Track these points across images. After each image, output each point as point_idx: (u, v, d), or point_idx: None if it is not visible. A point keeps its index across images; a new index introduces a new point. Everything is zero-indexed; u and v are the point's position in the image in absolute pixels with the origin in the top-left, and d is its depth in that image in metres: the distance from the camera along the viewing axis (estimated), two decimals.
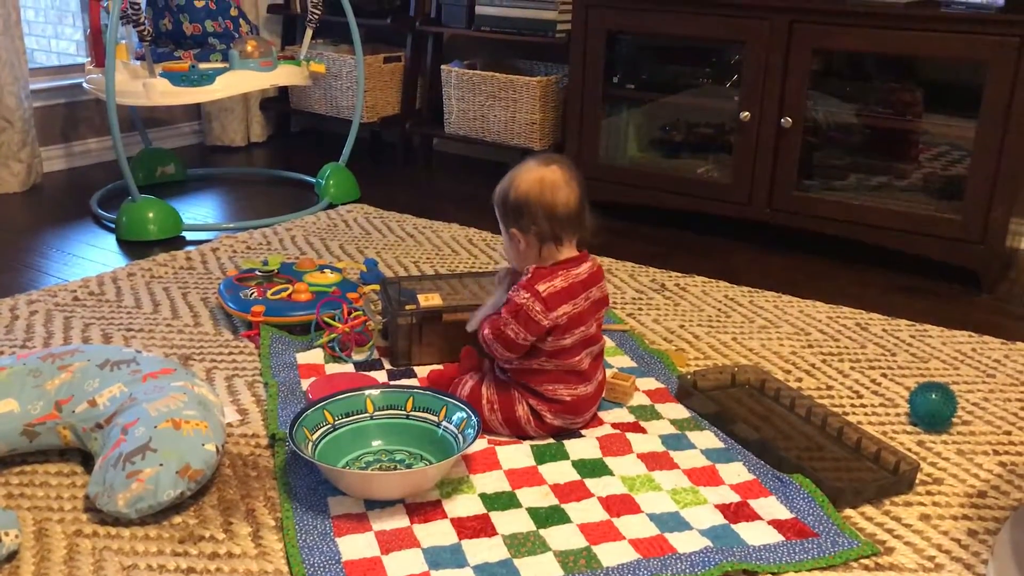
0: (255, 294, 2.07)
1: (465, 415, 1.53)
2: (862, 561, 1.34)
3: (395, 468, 1.52)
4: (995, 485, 1.56)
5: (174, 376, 1.57)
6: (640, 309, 2.25)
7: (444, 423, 1.55)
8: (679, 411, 1.75)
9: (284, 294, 2.06)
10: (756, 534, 1.39)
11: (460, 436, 1.51)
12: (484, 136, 3.38)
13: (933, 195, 2.67)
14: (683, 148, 3.11)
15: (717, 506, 1.45)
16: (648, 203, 2.92)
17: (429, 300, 1.90)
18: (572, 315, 1.56)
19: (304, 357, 1.90)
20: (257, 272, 2.18)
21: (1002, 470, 1.60)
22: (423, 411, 1.58)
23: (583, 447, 1.60)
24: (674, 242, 2.81)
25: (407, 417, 1.59)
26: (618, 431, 1.65)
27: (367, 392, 1.60)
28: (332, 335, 1.92)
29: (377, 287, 2.11)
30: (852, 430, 1.65)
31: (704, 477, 1.54)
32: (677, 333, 2.13)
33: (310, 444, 1.49)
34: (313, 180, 3.22)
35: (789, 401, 1.78)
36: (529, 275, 1.57)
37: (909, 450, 1.65)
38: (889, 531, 1.42)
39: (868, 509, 1.47)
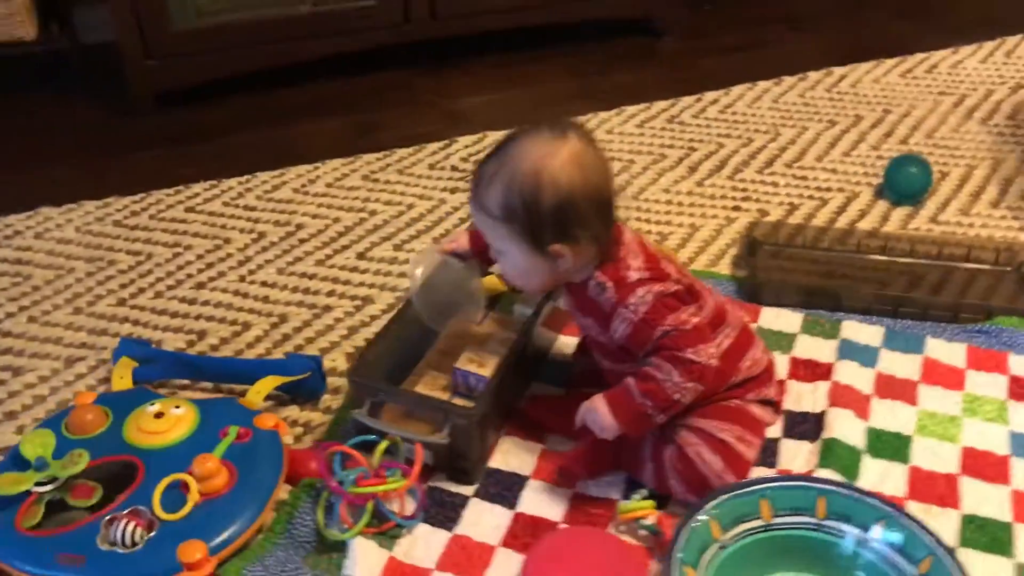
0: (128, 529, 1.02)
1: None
2: None
3: None
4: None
5: None
6: None
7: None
8: (789, 318, 1.42)
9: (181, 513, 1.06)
10: None
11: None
12: None
13: None
14: None
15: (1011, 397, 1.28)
16: (275, 63, 2.09)
17: (480, 365, 1.14)
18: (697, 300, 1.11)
19: (363, 572, 1.04)
20: (35, 490, 1.07)
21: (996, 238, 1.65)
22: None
23: (849, 428, 1.21)
24: (351, 98, 2.13)
25: None
26: (808, 383, 1.30)
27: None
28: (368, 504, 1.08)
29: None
30: (914, 242, 1.55)
31: (946, 376, 1.32)
32: None
33: None
34: None
35: (830, 241, 1.57)
36: (668, 329, 1.03)
37: (942, 232, 1.62)
38: None
39: None
